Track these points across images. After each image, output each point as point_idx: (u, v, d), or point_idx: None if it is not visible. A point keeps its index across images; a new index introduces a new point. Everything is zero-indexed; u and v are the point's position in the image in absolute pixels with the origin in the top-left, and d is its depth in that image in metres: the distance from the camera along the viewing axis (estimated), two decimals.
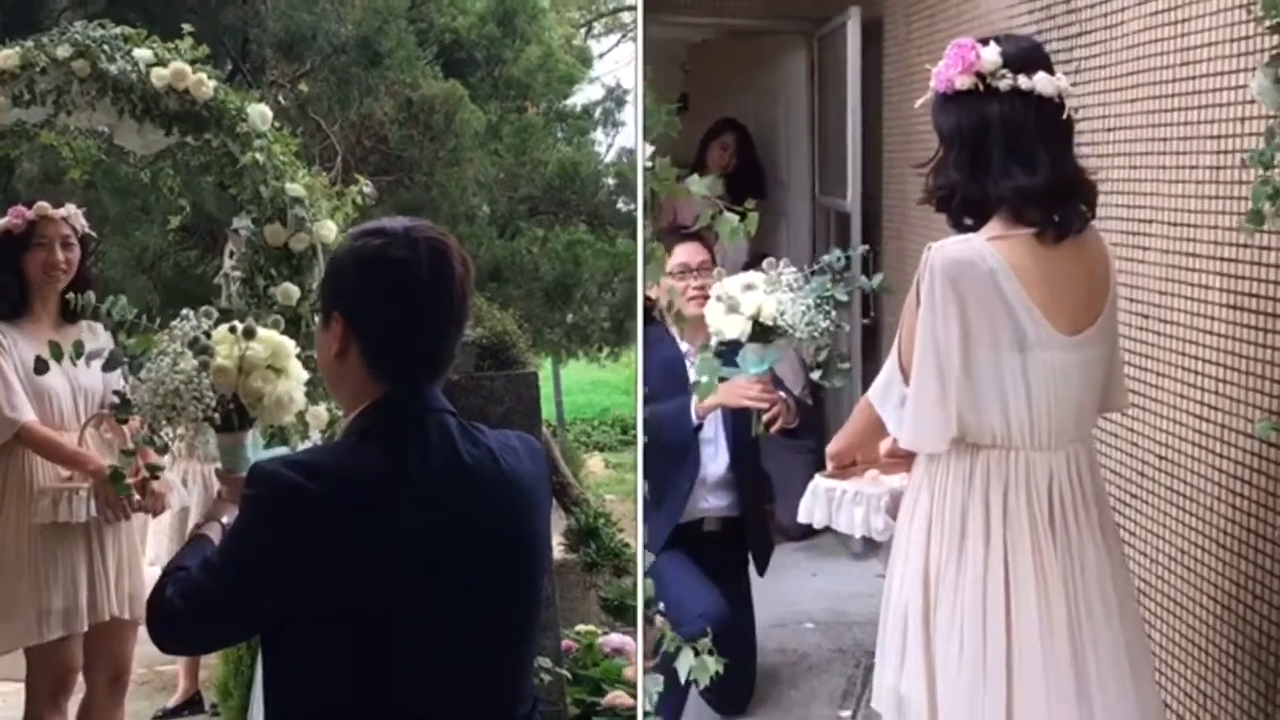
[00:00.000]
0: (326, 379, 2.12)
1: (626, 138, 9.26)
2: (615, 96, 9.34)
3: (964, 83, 2.52)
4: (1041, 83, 2.51)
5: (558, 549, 6.35)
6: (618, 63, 13.59)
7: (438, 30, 7.77)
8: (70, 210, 3.75)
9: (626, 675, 4.63)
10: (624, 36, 14.03)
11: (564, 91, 8.83)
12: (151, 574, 3.82)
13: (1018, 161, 2.51)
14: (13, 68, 3.65)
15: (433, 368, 2.04)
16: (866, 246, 4.37)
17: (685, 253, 4.25)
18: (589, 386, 14.48)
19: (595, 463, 12.23)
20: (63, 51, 3.64)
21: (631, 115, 9.17)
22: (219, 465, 2.69)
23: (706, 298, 3.94)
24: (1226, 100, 3.07)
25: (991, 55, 2.52)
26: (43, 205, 3.69)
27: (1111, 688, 2.59)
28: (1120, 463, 3.65)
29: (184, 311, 2.71)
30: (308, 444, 3.34)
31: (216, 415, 2.63)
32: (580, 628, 5.03)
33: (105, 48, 3.66)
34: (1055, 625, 2.56)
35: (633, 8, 13.26)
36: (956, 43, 2.56)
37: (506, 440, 2.09)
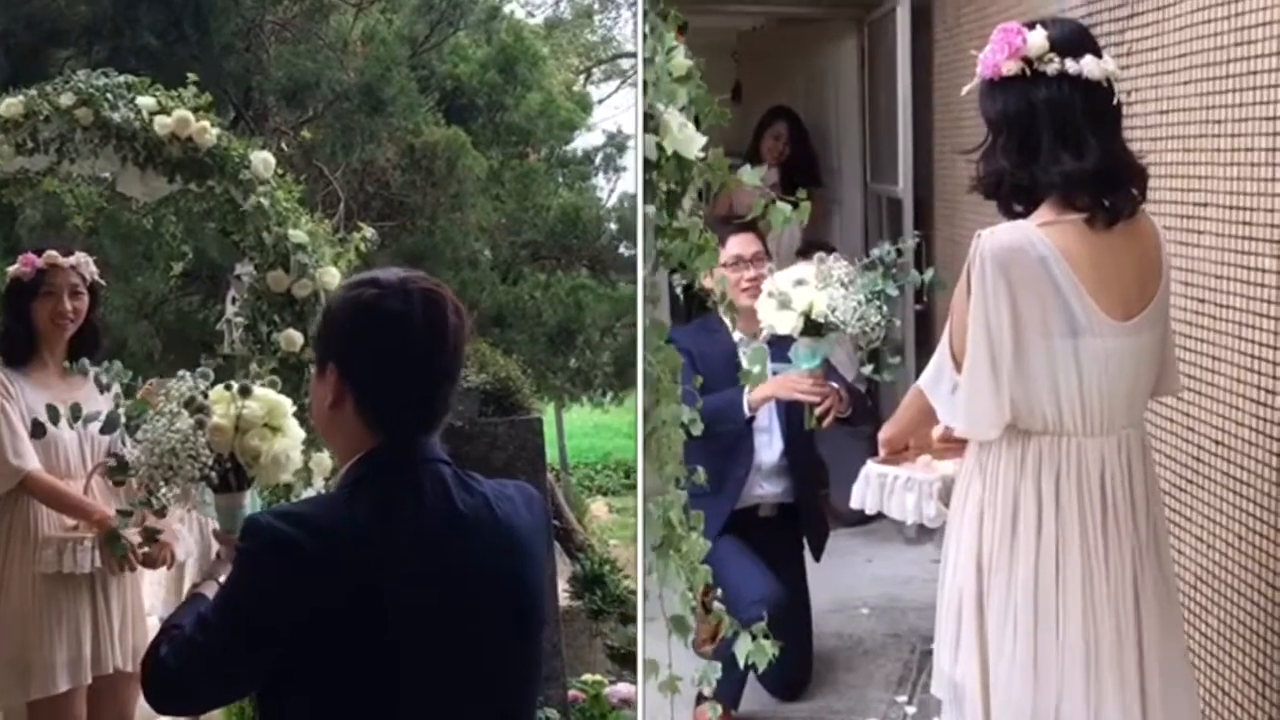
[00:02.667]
0: (320, 428, 2.10)
1: (628, 183, 9.30)
2: (616, 142, 9.38)
3: (1010, 68, 2.51)
4: (1089, 66, 2.49)
5: (563, 596, 6.31)
6: (617, 108, 13.67)
7: (439, 77, 7.83)
8: (80, 259, 3.70)
9: None
10: (623, 82, 14.10)
11: (565, 137, 8.88)
12: (151, 624, 3.79)
13: (1066, 147, 2.49)
14: (17, 116, 3.65)
15: (427, 419, 2.01)
16: (918, 234, 4.35)
17: (738, 244, 4.27)
18: (591, 430, 14.44)
19: (599, 507, 12.20)
20: (66, 100, 3.64)
21: (632, 161, 9.20)
22: (216, 526, 2.67)
23: (759, 289, 3.98)
24: None
25: (1038, 39, 2.50)
26: (52, 254, 3.66)
27: (1158, 682, 2.58)
28: (1176, 448, 3.61)
29: (180, 372, 2.69)
30: (309, 491, 3.32)
31: (213, 475, 2.61)
32: (587, 677, 4.98)
33: (108, 96, 3.66)
34: (1100, 620, 2.56)
35: (632, 54, 13.33)
36: (1003, 27, 2.54)
37: (503, 489, 2.07)
